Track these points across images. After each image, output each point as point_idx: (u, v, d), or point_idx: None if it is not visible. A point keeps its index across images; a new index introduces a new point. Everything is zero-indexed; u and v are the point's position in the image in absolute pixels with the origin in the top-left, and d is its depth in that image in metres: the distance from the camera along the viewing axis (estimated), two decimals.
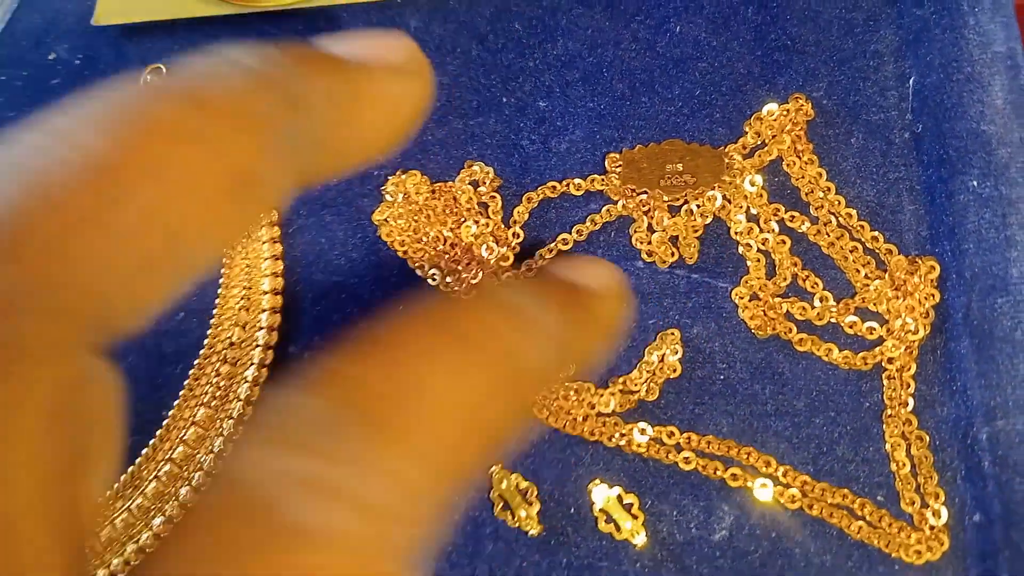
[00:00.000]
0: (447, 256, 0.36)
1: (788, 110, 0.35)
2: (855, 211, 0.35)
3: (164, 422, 0.35)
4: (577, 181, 0.36)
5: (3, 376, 0.11)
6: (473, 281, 0.35)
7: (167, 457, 0.35)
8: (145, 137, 0.12)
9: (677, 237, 0.35)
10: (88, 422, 0.12)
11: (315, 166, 0.15)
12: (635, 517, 0.33)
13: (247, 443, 0.13)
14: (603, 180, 0.36)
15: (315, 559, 0.12)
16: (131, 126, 0.12)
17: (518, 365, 0.15)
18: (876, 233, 0.34)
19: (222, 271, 0.37)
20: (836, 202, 0.35)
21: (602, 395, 0.34)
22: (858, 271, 0.34)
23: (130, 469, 0.35)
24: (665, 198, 0.35)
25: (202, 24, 0.40)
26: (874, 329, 0.33)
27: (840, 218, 0.35)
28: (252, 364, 0.35)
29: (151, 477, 0.35)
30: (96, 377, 0.12)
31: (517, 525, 0.33)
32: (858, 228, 0.35)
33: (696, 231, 0.35)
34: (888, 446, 0.33)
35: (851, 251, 0.34)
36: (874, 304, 0.34)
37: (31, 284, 0.11)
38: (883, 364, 0.33)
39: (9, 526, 0.11)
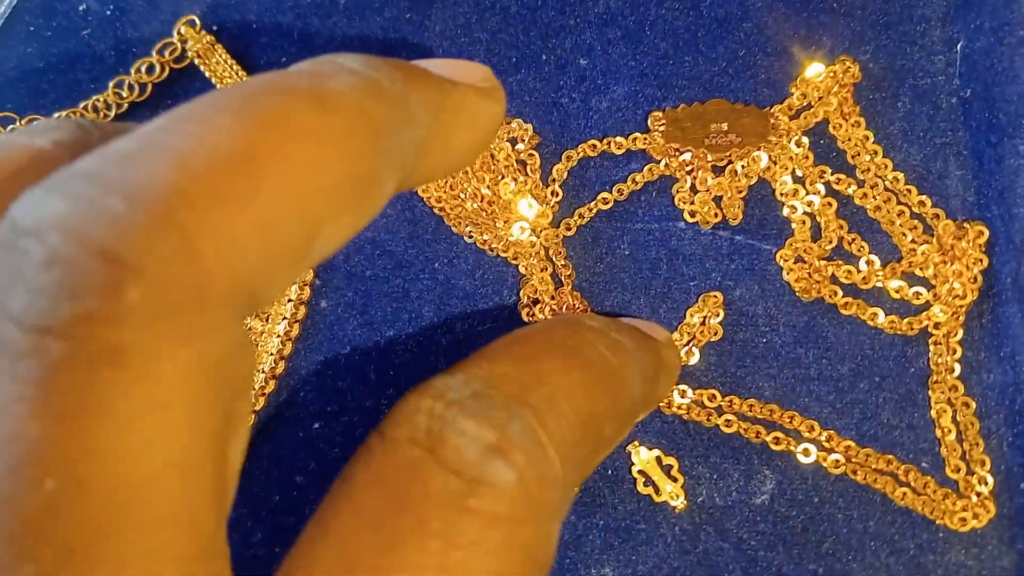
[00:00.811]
0: (484, 213, 0.35)
1: (835, 72, 0.35)
2: (902, 175, 0.34)
3: None
4: (618, 139, 0.35)
5: (165, 345, 0.11)
6: (510, 239, 0.34)
7: None
8: (275, 129, 0.13)
9: (721, 197, 0.34)
10: (236, 390, 0.13)
11: (413, 173, 0.16)
12: (675, 480, 0.32)
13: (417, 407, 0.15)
14: (645, 139, 0.35)
15: (493, 508, 0.14)
16: (262, 118, 0.13)
17: (619, 388, 0.18)
18: (923, 197, 0.34)
19: None
20: (883, 165, 0.34)
21: None
22: (905, 235, 0.34)
23: None
24: (709, 158, 0.34)
25: None
26: (920, 294, 0.33)
27: (887, 182, 0.34)
28: (284, 319, 0.35)
29: None
30: (243, 349, 0.13)
31: None
32: (905, 192, 0.34)
33: (740, 192, 0.34)
34: (933, 412, 0.32)
35: (898, 215, 0.34)
36: (921, 269, 0.33)
37: (186, 256, 0.11)
38: (929, 329, 0.33)
39: (162, 487, 0.11)
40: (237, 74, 0.39)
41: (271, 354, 0.34)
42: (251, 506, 0.33)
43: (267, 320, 0.35)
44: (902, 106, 0.35)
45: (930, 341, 0.33)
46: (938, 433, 0.32)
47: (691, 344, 0.33)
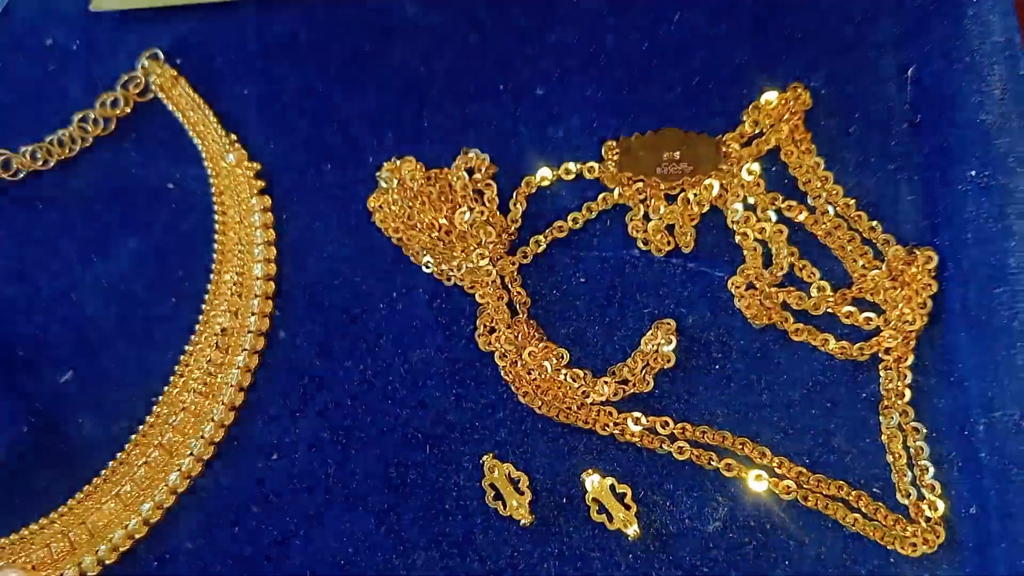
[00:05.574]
0: (442, 243, 0.35)
1: (786, 99, 0.35)
2: (853, 200, 0.34)
3: (153, 408, 0.35)
4: (573, 168, 0.36)
5: None
6: (468, 265, 0.35)
7: (156, 443, 0.34)
8: None
9: (673, 226, 0.35)
10: None
11: None
12: (628, 507, 0.32)
13: None
14: (600, 168, 0.35)
15: None
16: None
17: None
18: (874, 223, 0.34)
19: (214, 256, 0.36)
20: (834, 191, 0.34)
21: (596, 384, 0.33)
22: (855, 261, 0.34)
23: (119, 455, 0.34)
24: (662, 186, 0.35)
25: (198, 9, 0.40)
26: (871, 319, 0.33)
27: (838, 207, 0.34)
28: (243, 350, 0.35)
29: (140, 463, 0.34)
30: None
31: (508, 514, 0.33)
32: (856, 218, 0.34)
33: (693, 220, 0.35)
34: (885, 437, 0.32)
35: (848, 240, 0.34)
36: (871, 294, 0.33)
37: None
38: (880, 355, 0.33)
39: None
40: (200, 107, 0.39)
41: (231, 385, 0.35)
42: (206, 535, 0.33)
43: (227, 352, 0.35)
44: (854, 131, 0.36)
45: (881, 366, 0.33)
46: (889, 458, 0.32)
47: (645, 371, 0.33)
